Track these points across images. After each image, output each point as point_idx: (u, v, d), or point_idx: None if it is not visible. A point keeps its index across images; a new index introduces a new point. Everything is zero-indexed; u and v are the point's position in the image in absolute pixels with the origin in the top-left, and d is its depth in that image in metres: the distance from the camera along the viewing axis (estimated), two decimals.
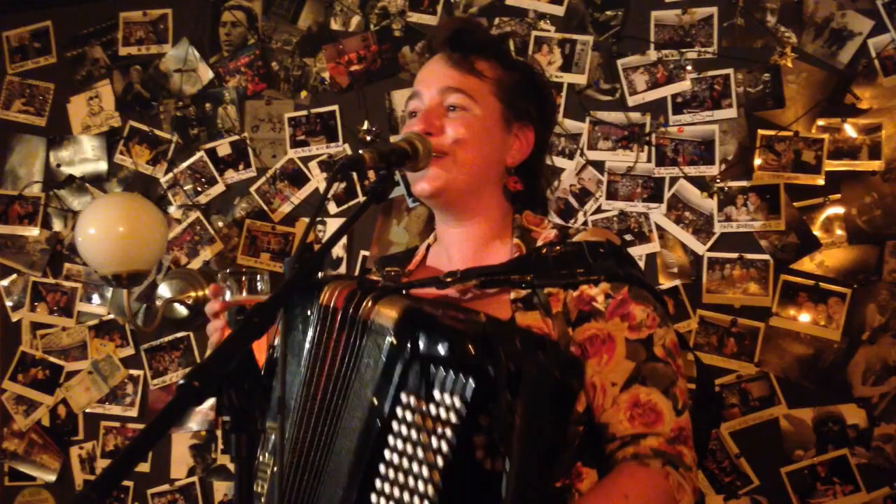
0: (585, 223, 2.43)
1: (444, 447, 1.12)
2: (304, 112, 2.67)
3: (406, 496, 1.15)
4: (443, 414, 1.13)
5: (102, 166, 2.84)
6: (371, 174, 2.56)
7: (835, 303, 2.25)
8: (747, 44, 2.36)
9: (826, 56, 2.31)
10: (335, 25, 2.68)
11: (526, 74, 1.50)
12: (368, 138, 2.60)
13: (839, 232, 2.27)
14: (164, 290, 2.67)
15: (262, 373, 1.41)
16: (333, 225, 2.63)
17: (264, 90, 2.72)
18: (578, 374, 1.29)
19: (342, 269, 2.60)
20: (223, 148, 2.74)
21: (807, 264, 2.29)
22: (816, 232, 2.29)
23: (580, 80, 2.46)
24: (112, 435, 2.76)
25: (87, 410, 2.78)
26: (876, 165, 2.26)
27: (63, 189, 2.86)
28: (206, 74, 2.76)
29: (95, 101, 2.85)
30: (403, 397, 1.17)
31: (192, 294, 2.64)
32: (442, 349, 1.15)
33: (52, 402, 2.81)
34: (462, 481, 1.12)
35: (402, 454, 1.16)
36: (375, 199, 1.30)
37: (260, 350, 1.40)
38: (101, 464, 2.78)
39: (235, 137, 2.73)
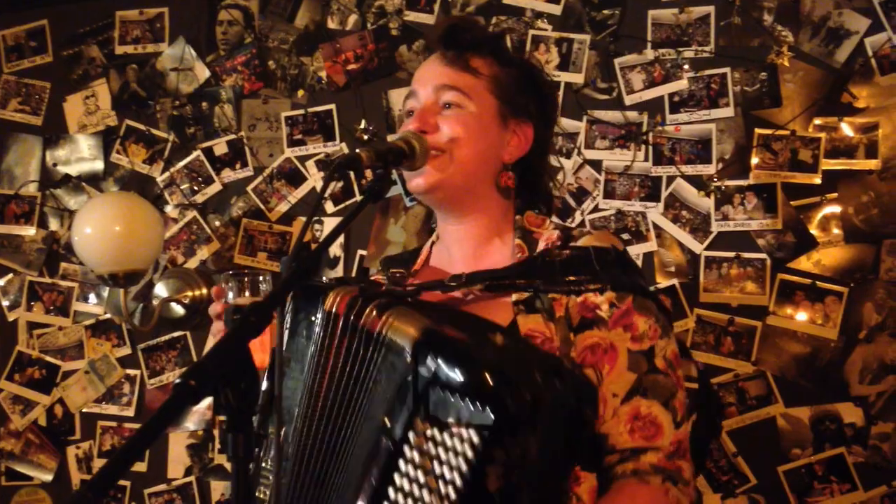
0: (583, 222, 2.43)
1: (458, 479, 1.10)
2: (301, 111, 2.67)
3: None
4: (458, 445, 1.11)
5: (99, 165, 2.83)
6: (368, 173, 2.56)
7: (832, 301, 2.26)
8: (744, 43, 2.36)
9: (823, 55, 2.31)
10: (332, 24, 2.68)
11: (524, 71, 1.50)
12: (365, 137, 2.60)
13: (836, 231, 2.28)
14: (161, 290, 2.67)
15: (266, 375, 1.40)
16: (331, 224, 2.63)
17: (261, 89, 2.71)
18: (592, 401, 1.28)
19: (339, 269, 2.60)
20: (220, 147, 2.73)
21: (804, 263, 2.29)
22: (813, 231, 2.29)
23: (577, 79, 2.46)
24: (109, 434, 2.76)
25: (84, 410, 2.78)
26: (873, 164, 2.26)
27: (59, 188, 2.86)
28: (203, 73, 2.76)
29: (92, 100, 2.84)
30: (418, 423, 1.15)
31: (189, 293, 2.64)
32: (460, 376, 1.12)
33: (49, 402, 2.80)
34: None
35: (412, 481, 1.15)
36: (373, 198, 1.29)
37: (264, 350, 1.39)
38: (98, 463, 2.77)
39: (232, 136, 2.72)
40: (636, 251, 2.38)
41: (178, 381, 0.92)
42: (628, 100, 2.42)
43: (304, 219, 2.64)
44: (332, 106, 2.64)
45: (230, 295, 1.45)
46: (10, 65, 2.90)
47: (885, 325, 2.22)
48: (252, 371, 1.02)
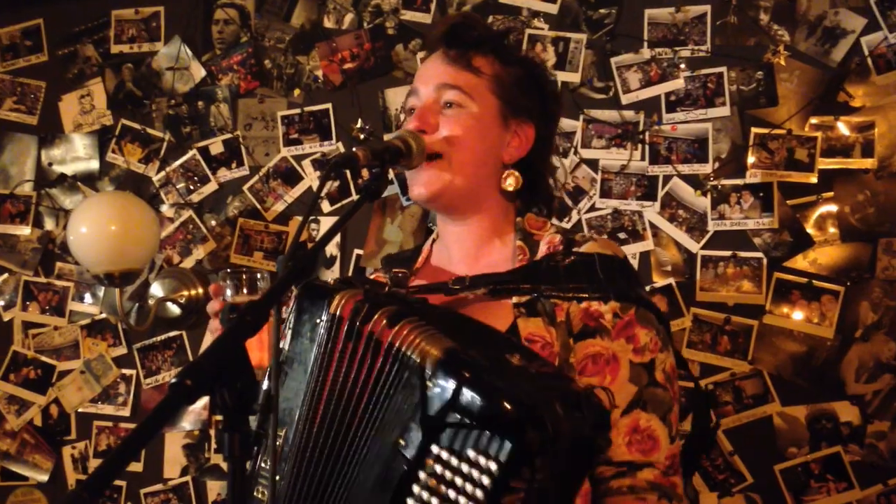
0: (579, 222, 2.43)
1: None
2: (298, 110, 2.66)
3: None
4: (475, 474, 1.09)
5: (94, 165, 2.83)
6: (365, 172, 2.55)
7: (828, 300, 2.26)
8: (740, 42, 2.36)
9: (819, 54, 2.31)
10: (328, 23, 2.67)
11: (526, 70, 1.48)
12: (362, 136, 2.59)
13: (832, 230, 2.28)
14: (157, 289, 2.66)
15: (267, 375, 1.38)
16: (327, 223, 2.63)
17: (257, 88, 2.71)
18: (606, 431, 1.27)
19: (336, 268, 2.60)
20: (216, 146, 2.73)
21: (800, 262, 2.29)
22: (809, 230, 2.29)
23: (574, 78, 2.46)
24: (104, 434, 2.75)
25: (80, 410, 2.77)
26: (869, 163, 2.26)
27: (55, 188, 2.85)
28: (199, 72, 2.75)
29: (87, 100, 2.84)
30: (434, 448, 1.13)
31: (185, 293, 2.63)
32: (481, 403, 1.10)
33: (45, 402, 2.79)
34: None
35: None
36: (369, 197, 1.29)
37: (262, 349, 1.38)
38: (94, 463, 2.77)
39: (228, 136, 2.72)
40: (633, 250, 2.38)
41: (174, 380, 0.92)
42: (625, 99, 2.42)
43: (300, 218, 2.64)
44: (329, 105, 2.64)
45: (228, 293, 1.44)
46: (6, 64, 2.90)
47: (882, 323, 2.23)
48: (248, 370, 1.01)
